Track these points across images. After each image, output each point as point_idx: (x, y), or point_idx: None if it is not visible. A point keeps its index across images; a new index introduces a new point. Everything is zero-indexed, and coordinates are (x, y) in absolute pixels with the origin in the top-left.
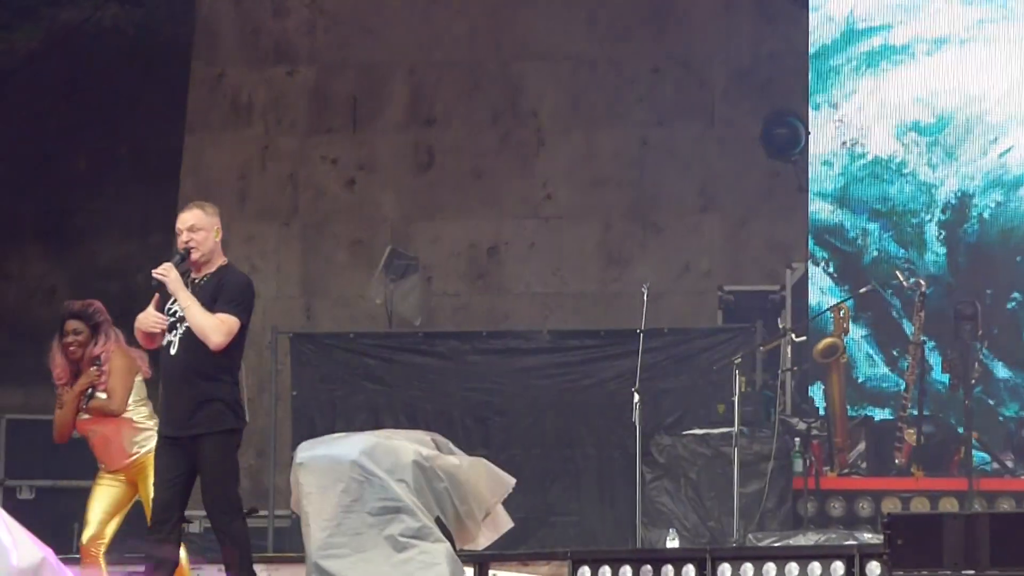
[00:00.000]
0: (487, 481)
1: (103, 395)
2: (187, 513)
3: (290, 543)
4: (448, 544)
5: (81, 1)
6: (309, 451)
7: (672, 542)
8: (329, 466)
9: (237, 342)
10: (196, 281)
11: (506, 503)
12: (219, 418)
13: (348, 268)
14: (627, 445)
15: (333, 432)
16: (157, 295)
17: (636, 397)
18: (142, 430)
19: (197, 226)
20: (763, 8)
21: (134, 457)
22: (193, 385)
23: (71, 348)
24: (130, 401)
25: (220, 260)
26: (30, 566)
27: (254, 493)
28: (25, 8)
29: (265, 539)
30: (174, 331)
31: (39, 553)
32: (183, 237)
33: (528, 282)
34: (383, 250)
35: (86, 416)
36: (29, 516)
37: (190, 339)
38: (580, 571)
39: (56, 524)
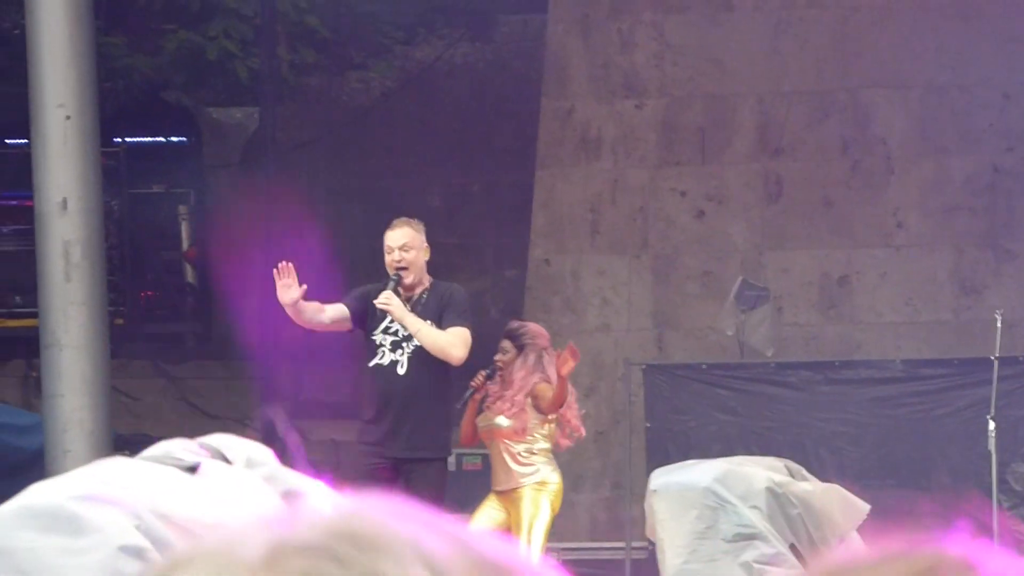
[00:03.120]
0: (841, 507)
1: (502, 420)
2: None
3: (647, 573)
4: (802, 570)
5: (433, 39)
6: (663, 478)
7: None
8: (682, 493)
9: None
10: (413, 299)
11: (860, 531)
12: (446, 444)
13: (699, 299)
14: (982, 474)
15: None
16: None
17: (991, 425)
18: (529, 462)
19: (409, 245)
20: None
21: (513, 487)
22: (424, 407)
23: (496, 363)
24: (529, 433)
25: (427, 276)
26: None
27: (610, 524)
28: (379, 47)
29: (622, 570)
30: (399, 350)
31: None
32: (394, 256)
33: (880, 311)
34: (734, 281)
35: (483, 426)
36: None
37: (421, 359)
38: None
39: None
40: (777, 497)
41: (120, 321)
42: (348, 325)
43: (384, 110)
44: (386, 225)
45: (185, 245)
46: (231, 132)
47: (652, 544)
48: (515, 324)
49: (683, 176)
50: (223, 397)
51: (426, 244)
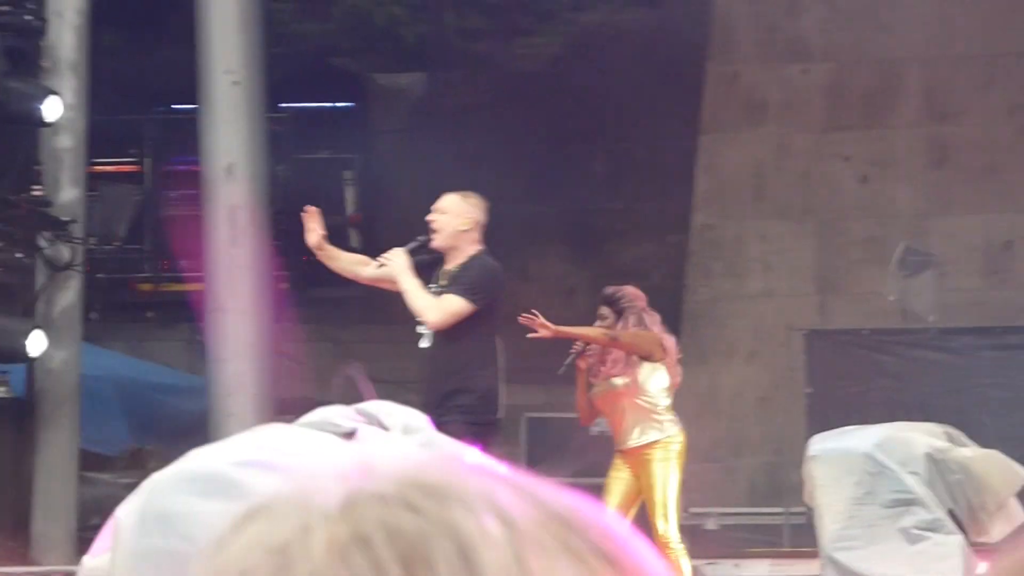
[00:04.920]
0: (1001, 473)
1: (617, 380)
2: (701, 511)
3: (805, 539)
4: (961, 536)
5: (600, 4)
6: (822, 444)
7: None
8: (841, 458)
9: (476, 330)
10: (448, 271)
11: (1020, 497)
12: (468, 409)
13: (862, 264)
14: None
15: None
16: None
17: None
18: (652, 419)
19: (442, 208)
20: None
21: (638, 443)
22: (441, 376)
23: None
24: (645, 387)
25: (472, 249)
26: None
27: (770, 490)
28: (546, 12)
29: (780, 535)
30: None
31: None
32: (429, 217)
33: None
34: (897, 246)
35: (598, 393)
36: None
37: (436, 331)
38: None
39: None
40: (937, 463)
41: (285, 285)
42: (393, 285)
43: (550, 76)
44: (551, 190)
45: (350, 210)
46: (397, 98)
47: (810, 509)
48: (611, 290)
49: (848, 141)
50: (387, 361)
51: (471, 216)
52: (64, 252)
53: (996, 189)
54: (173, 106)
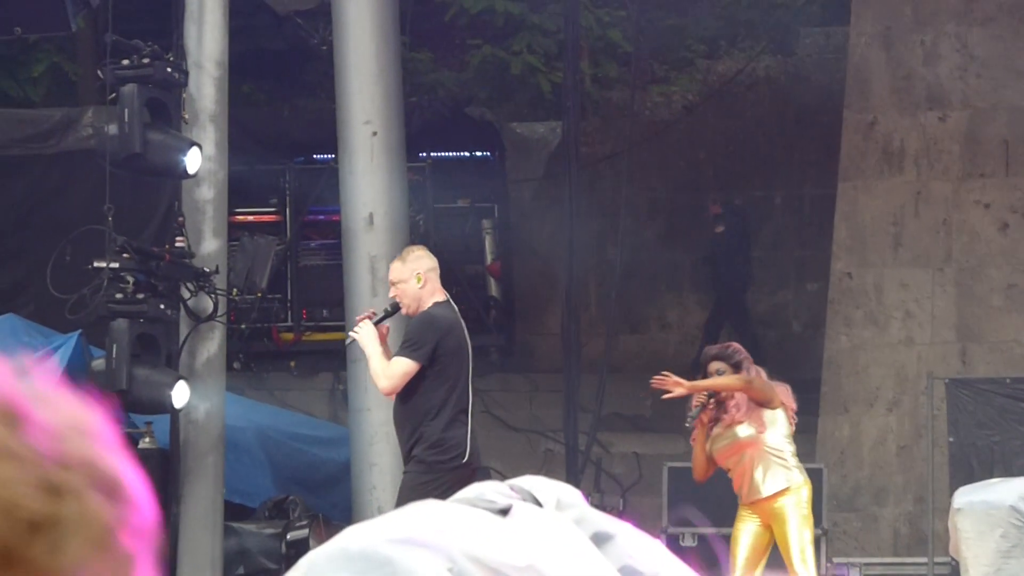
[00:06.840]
0: None
1: (741, 430)
2: (845, 560)
3: None
4: None
5: (735, 52)
6: (967, 496)
7: None
8: (987, 512)
9: (424, 382)
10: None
11: None
12: (421, 460)
13: (1003, 313)
14: None
15: (991, 478)
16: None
17: None
18: (780, 466)
19: (393, 280)
20: None
21: (768, 492)
22: (403, 432)
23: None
24: (771, 435)
25: (429, 301)
26: None
27: (913, 539)
28: (682, 61)
29: None
30: None
31: None
32: (391, 293)
33: None
34: None
35: (722, 446)
36: (690, 564)
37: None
38: None
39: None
40: None
41: None
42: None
43: (686, 123)
44: (689, 238)
45: (489, 259)
46: (534, 146)
47: (955, 561)
48: (717, 348)
49: (987, 188)
50: (526, 410)
51: (416, 271)
52: (207, 303)
53: None
54: (313, 156)
